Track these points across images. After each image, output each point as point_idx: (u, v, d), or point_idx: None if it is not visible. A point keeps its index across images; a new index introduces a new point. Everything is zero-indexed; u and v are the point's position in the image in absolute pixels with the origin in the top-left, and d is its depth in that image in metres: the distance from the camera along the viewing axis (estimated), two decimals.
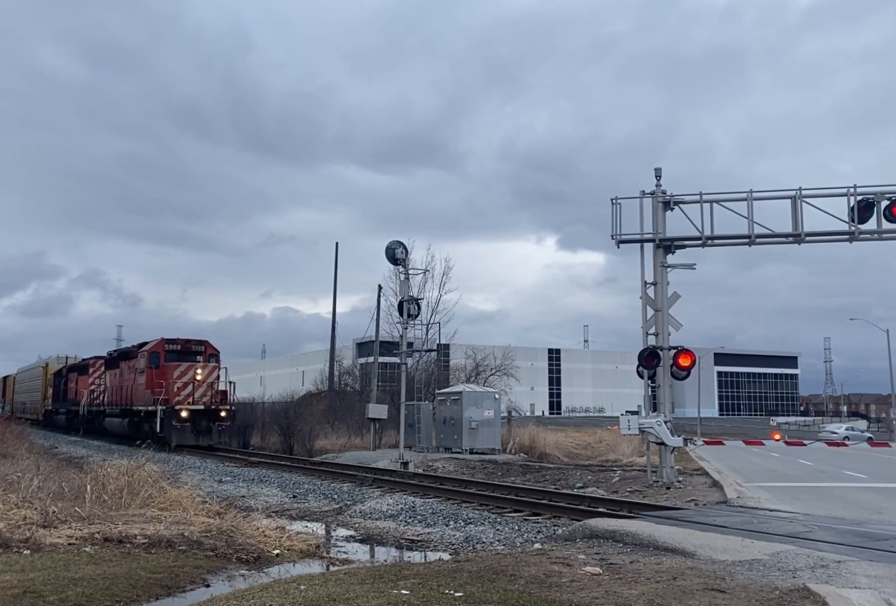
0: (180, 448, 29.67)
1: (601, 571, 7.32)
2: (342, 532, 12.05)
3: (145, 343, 33.14)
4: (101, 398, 38.53)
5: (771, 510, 12.24)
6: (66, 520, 9.93)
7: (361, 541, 11.17)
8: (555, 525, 11.46)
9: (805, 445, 40.88)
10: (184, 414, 29.05)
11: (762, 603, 6.09)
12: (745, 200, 17.18)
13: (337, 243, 52.70)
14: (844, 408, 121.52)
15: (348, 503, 14.72)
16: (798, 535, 9.49)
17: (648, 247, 17.61)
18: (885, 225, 16.75)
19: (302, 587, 6.66)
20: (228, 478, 19.53)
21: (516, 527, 11.55)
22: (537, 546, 9.59)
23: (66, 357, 55.30)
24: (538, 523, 11.88)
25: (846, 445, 40.87)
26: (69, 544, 8.99)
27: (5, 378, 75.02)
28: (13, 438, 24.41)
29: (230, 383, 31.84)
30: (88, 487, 11.78)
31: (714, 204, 17.38)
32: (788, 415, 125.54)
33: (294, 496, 15.98)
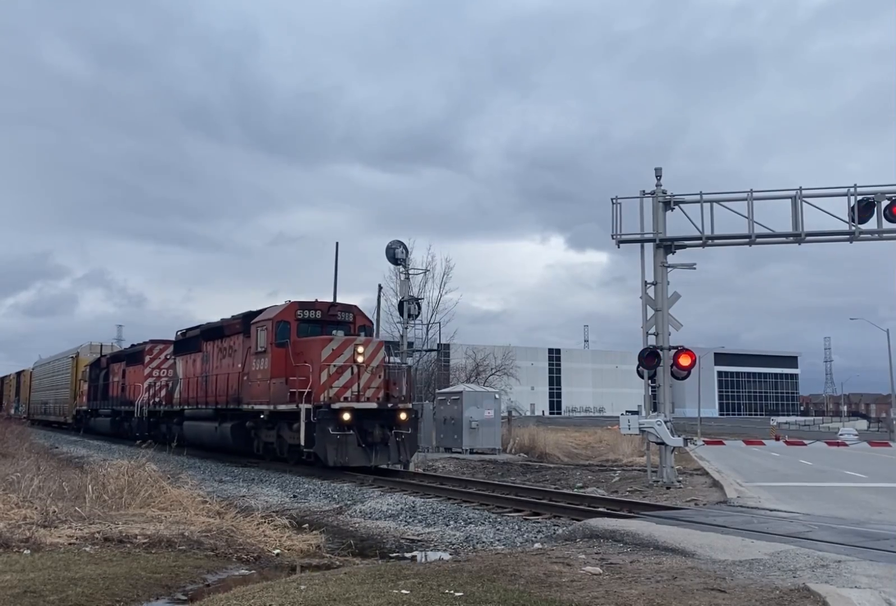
0: (178, 448, 24.66)
1: (601, 571, 7.32)
2: (342, 531, 12.05)
3: (251, 313, 22.61)
4: (169, 394, 29.41)
5: (771, 510, 12.24)
6: (66, 520, 9.94)
7: (362, 541, 11.17)
8: (555, 525, 11.46)
9: (805, 445, 40.89)
10: (346, 417, 18.10)
11: (762, 603, 6.09)
12: (745, 200, 17.18)
13: (337, 243, 51.49)
14: (844, 408, 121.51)
15: (348, 502, 14.72)
16: (798, 535, 9.48)
17: (649, 247, 17.61)
18: (886, 225, 16.74)
19: (302, 586, 6.66)
20: (229, 478, 19.54)
21: (516, 527, 11.55)
22: (537, 545, 9.59)
23: (101, 345, 46.15)
24: (538, 523, 11.88)
25: (846, 445, 40.86)
26: (69, 544, 9.00)
27: (19, 374, 65.38)
28: (13, 438, 24.40)
29: (406, 367, 22.10)
30: (89, 487, 11.79)
31: (714, 204, 17.38)
32: (788, 415, 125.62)
33: (294, 496, 15.98)
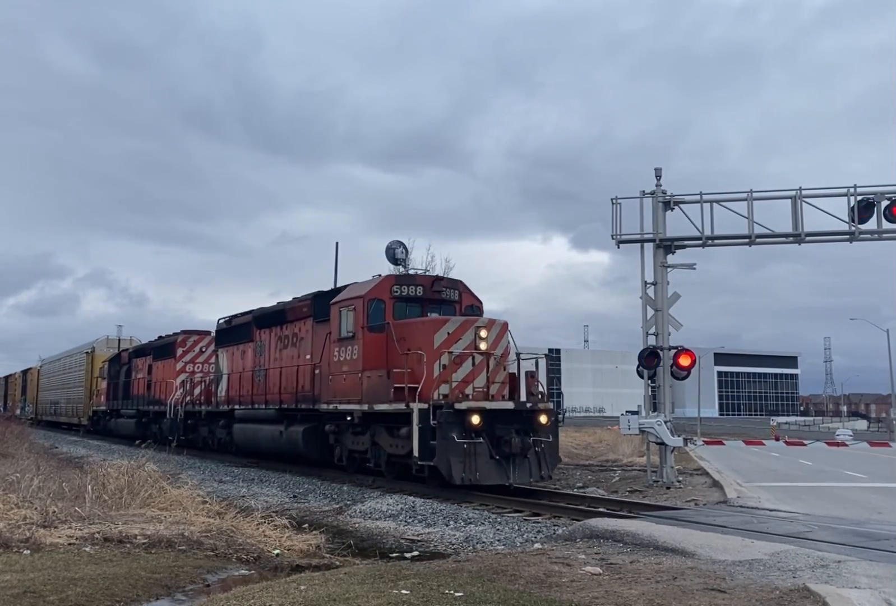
0: (181, 449, 22.70)
1: (601, 571, 7.32)
2: (342, 531, 12.05)
3: (322, 293, 19.24)
4: (208, 391, 26.13)
5: (771, 510, 12.24)
6: (66, 520, 9.93)
7: (362, 541, 11.17)
8: (555, 525, 11.46)
9: (805, 445, 40.88)
10: (475, 420, 14.19)
11: (762, 603, 6.09)
12: (745, 200, 17.19)
13: (337, 243, 51.06)
14: (844, 408, 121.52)
15: (348, 502, 14.72)
16: (798, 535, 9.49)
17: (649, 247, 17.62)
18: (885, 225, 16.75)
19: (302, 587, 6.66)
20: (228, 478, 19.53)
21: (516, 527, 11.55)
22: (537, 545, 9.59)
23: (119, 339, 42.67)
24: (538, 523, 11.88)
25: (846, 445, 40.86)
26: (69, 544, 9.00)
27: (25, 372, 61.29)
28: (13, 438, 24.39)
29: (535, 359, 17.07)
30: (89, 487, 11.78)
31: (714, 204, 17.39)
32: (788, 415, 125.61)
33: (294, 496, 15.98)
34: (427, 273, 19.80)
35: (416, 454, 14.52)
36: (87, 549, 8.83)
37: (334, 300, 17.73)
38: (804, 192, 17.06)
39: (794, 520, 10.95)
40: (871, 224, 16.88)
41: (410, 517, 12.80)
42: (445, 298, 17.36)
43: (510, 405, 15.10)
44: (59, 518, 9.95)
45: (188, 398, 27.57)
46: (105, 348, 42.12)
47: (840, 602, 5.95)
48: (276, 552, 9.51)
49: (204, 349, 29.36)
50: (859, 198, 16.78)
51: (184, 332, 30.67)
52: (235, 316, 24.89)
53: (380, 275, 17.76)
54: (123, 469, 12.93)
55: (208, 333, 29.63)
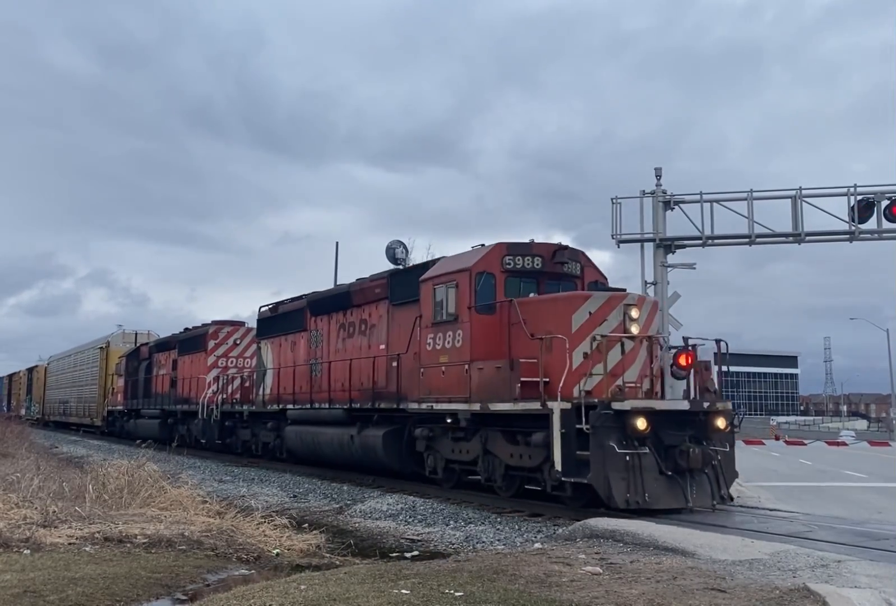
0: (181, 448, 22.65)
1: (601, 571, 7.32)
2: (342, 531, 12.05)
3: (399, 271, 16.99)
4: (247, 389, 22.94)
5: (771, 510, 12.25)
6: (66, 520, 9.94)
7: (361, 541, 11.17)
8: (555, 525, 11.45)
9: (805, 444, 40.90)
10: (640, 425, 11.01)
11: (762, 603, 6.09)
12: (745, 199, 17.17)
13: (337, 243, 50.03)
14: (844, 408, 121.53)
15: (348, 502, 14.73)
16: (798, 534, 9.49)
17: (649, 247, 17.60)
18: (886, 225, 16.75)
19: (302, 586, 6.66)
20: (228, 478, 19.54)
21: (516, 527, 11.55)
22: (537, 545, 9.59)
23: (136, 333, 39.40)
24: (538, 522, 11.87)
25: (846, 444, 40.88)
26: (69, 543, 9.00)
27: (31, 370, 58.35)
28: (13, 438, 24.41)
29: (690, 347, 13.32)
30: (89, 487, 11.80)
31: (714, 204, 17.38)
32: (788, 415, 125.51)
33: (294, 496, 15.98)
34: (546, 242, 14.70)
35: (557, 467, 11.25)
36: (88, 549, 8.83)
37: (426, 276, 14.34)
38: (804, 191, 17.05)
39: (794, 520, 10.95)
40: (872, 224, 16.87)
41: (410, 517, 12.80)
42: (567, 271, 13.95)
43: (685, 404, 11.87)
44: (59, 518, 9.96)
45: (221, 397, 24.42)
46: (121, 342, 38.67)
47: (840, 601, 5.95)
48: (276, 551, 9.51)
49: (238, 341, 26.36)
50: (859, 197, 16.77)
51: (215, 322, 27.54)
52: (282, 303, 21.86)
53: (480, 245, 14.10)
54: (123, 469, 12.96)
55: (242, 323, 27.55)
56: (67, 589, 6.93)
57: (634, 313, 12.38)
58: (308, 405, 18.80)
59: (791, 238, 17.54)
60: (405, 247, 25.12)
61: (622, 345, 12.13)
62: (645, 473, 10.98)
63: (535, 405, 11.69)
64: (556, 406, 11.33)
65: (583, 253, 14.72)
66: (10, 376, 66.47)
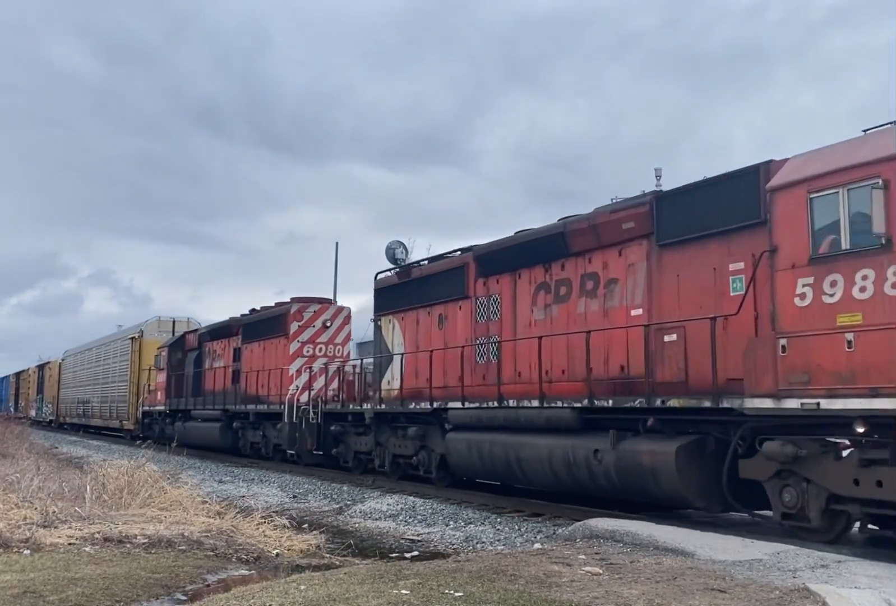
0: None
1: (601, 571, 7.32)
2: (342, 531, 12.06)
3: (667, 191, 11.28)
4: (349, 383, 19.11)
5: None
6: (66, 520, 9.94)
7: (361, 541, 11.18)
8: (555, 525, 11.46)
9: None
10: None
11: (762, 603, 6.09)
12: None
13: (337, 243, 49.84)
14: None
15: (348, 502, 14.73)
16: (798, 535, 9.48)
17: None
18: None
19: (302, 587, 6.66)
20: (228, 478, 19.54)
21: (516, 527, 11.55)
22: (537, 545, 9.60)
23: (174, 321, 34.32)
24: (538, 523, 11.88)
25: None
26: (69, 544, 9.01)
27: (41, 367, 53.46)
28: (13, 438, 24.42)
29: None
30: (88, 487, 11.80)
31: None
32: None
33: (294, 497, 15.99)
34: None
35: None
36: (87, 549, 8.84)
37: (787, 180, 8.83)
38: None
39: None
40: None
41: (410, 517, 12.80)
42: None
43: None
44: (59, 518, 9.96)
45: (315, 394, 19.91)
46: (156, 332, 33.77)
47: (840, 601, 5.95)
48: (276, 552, 9.52)
49: (329, 323, 21.56)
50: None
51: (297, 300, 22.18)
52: (416, 264, 17.18)
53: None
54: (123, 469, 12.97)
55: (329, 301, 23.23)
56: (67, 590, 6.93)
57: None
58: (492, 403, 13.12)
59: None
60: (405, 247, 25.10)
61: None
62: None
63: None
64: None
65: None
66: (18, 375, 62.22)
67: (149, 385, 31.87)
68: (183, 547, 9.17)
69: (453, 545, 10.73)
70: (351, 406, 18.23)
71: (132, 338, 34.75)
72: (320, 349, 21.65)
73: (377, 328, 17.89)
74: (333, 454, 18.89)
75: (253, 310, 25.13)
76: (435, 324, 15.87)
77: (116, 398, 35.85)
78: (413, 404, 15.62)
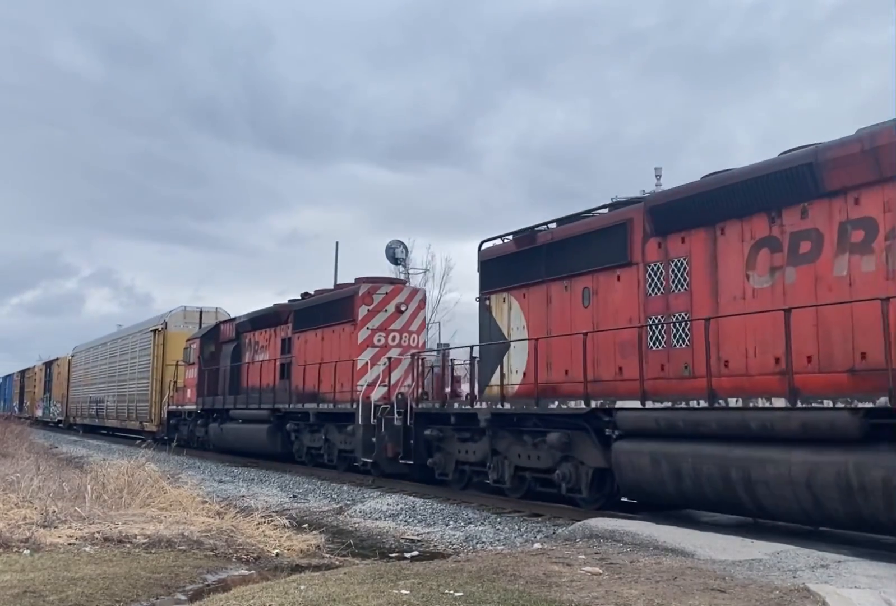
0: (180, 449, 21.61)
1: (601, 571, 7.32)
2: (342, 531, 12.06)
3: None
4: (438, 379, 16.65)
5: None
6: (66, 520, 9.94)
7: (361, 541, 11.18)
8: (555, 525, 11.46)
9: None
10: None
11: (762, 603, 6.09)
12: None
13: (337, 243, 49.59)
14: None
15: (348, 502, 14.73)
16: (798, 534, 9.49)
17: None
18: None
19: (302, 586, 6.66)
20: (228, 478, 19.54)
21: (516, 527, 11.56)
22: (537, 545, 9.59)
23: (201, 311, 31.38)
24: (538, 523, 11.88)
25: None
26: (69, 544, 9.00)
27: (49, 364, 50.11)
28: (13, 438, 24.43)
29: None
30: (88, 487, 11.79)
31: None
32: None
33: (294, 496, 15.99)
34: None
35: None
36: (87, 549, 8.83)
37: None
38: None
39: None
40: None
41: (410, 517, 12.81)
42: None
43: None
44: (58, 518, 9.96)
45: (393, 391, 17.02)
46: (182, 323, 30.91)
47: (840, 601, 5.95)
48: (276, 552, 9.51)
49: (403, 307, 18.45)
50: None
51: (366, 280, 18.97)
52: (539, 228, 13.54)
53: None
54: (123, 469, 12.97)
55: (403, 281, 20.16)
56: (67, 590, 6.93)
57: None
58: (695, 402, 9.79)
59: None
60: (405, 247, 25.10)
61: None
62: None
63: None
64: None
65: None
66: (23, 373, 58.82)
67: (175, 382, 28.96)
68: (183, 547, 9.16)
69: (453, 545, 10.73)
70: (461, 406, 14.40)
71: (154, 330, 31.52)
72: (393, 338, 18.38)
73: (484, 310, 14.59)
74: (429, 464, 15.24)
75: (305, 294, 21.85)
76: (577, 300, 12.41)
77: (136, 396, 32.91)
78: (555, 402, 11.99)
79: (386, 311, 18.42)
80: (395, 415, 16.03)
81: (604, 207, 12.75)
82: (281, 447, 20.61)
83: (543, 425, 12.38)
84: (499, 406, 13.15)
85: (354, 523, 12.81)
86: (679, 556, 8.04)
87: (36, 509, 10.33)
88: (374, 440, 16.59)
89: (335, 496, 15.75)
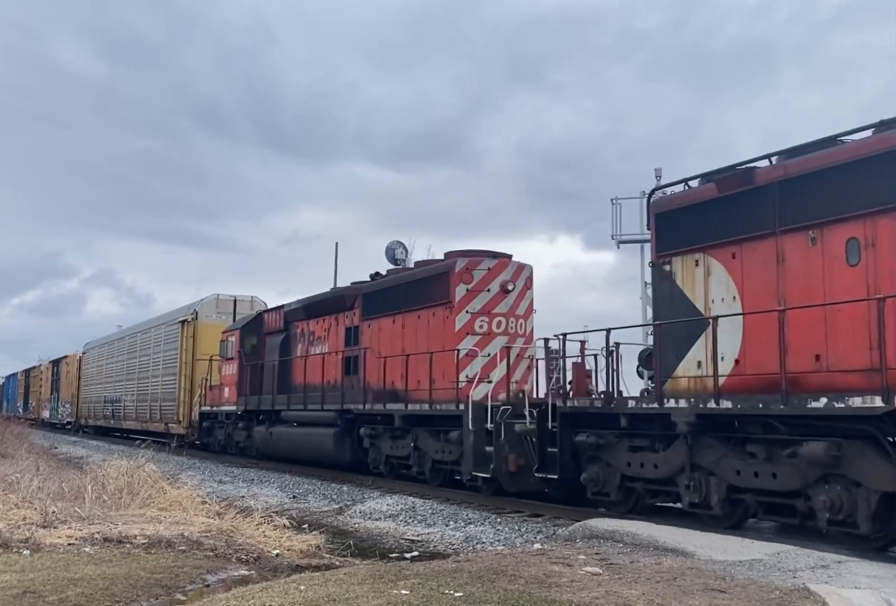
0: (179, 448, 20.91)
1: (601, 571, 7.32)
2: (342, 531, 12.06)
3: None
4: (578, 372, 12.58)
5: None
6: (65, 520, 9.94)
7: (361, 541, 11.17)
8: (555, 526, 11.46)
9: None
10: None
11: (762, 603, 6.09)
12: None
13: (337, 243, 49.52)
14: None
15: (348, 503, 14.72)
16: (798, 535, 9.48)
17: (649, 247, 17.62)
18: None
19: (302, 587, 6.66)
20: (228, 478, 19.53)
21: (516, 527, 11.55)
22: (537, 546, 9.59)
23: (235, 300, 27.95)
24: (538, 523, 11.88)
25: None
26: (69, 544, 9.00)
27: (57, 363, 46.67)
28: (13, 438, 24.42)
29: None
30: (88, 487, 11.79)
31: None
32: None
33: (294, 497, 15.98)
34: None
35: None
36: (87, 549, 8.83)
37: None
38: None
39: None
40: None
41: (410, 518, 12.80)
42: None
43: None
44: (58, 519, 9.95)
45: (514, 388, 13.90)
46: (214, 313, 27.47)
47: (840, 602, 5.95)
48: (276, 552, 9.51)
49: (510, 286, 14.99)
50: None
51: (461, 254, 15.53)
52: (749, 166, 10.32)
53: None
54: (123, 470, 12.96)
55: (507, 256, 15.72)
56: (67, 590, 6.92)
57: None
58: None
59: None
60: (405, 247, 25.04)
61: None
62: None
63: None
64: None
65: None
66: (28, 372, 55.24)
67: (209, 380, 25.41)
68: (183, 548, 9.16)
69: (453, 545, 10.72)
70: (632, 403, 11.07)
71: (183, 321, 27.93)
72: (498, 324, 14.92)
73: (662, 278, 11.23)
74: (583, 481, 11.86)
75: (377, 275, 18.52)
76: (835, 257, 9.00)
77: (160, 395, 29.35)
78: (819, 400, 8.44)
79: (489, 290, 14.92)
80: (529, 419, 12.53)
81: (866, 127, 9.09)
82: (350, 455, 17.47)
83: (786, 431, 9.03)
84: (711, 404, 9.52)
85: (354, 523, 12.80)
86: (679, 556, 8.04)
87: (36, 509, 10.33)
88: (488, 449, 13.26)
89: (335, 496, 15.74)
